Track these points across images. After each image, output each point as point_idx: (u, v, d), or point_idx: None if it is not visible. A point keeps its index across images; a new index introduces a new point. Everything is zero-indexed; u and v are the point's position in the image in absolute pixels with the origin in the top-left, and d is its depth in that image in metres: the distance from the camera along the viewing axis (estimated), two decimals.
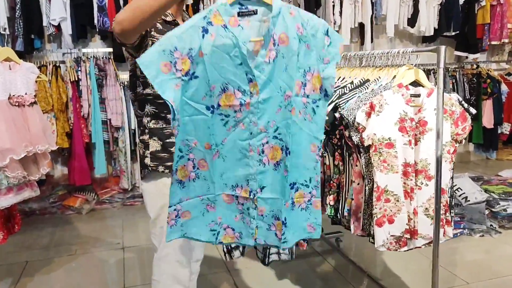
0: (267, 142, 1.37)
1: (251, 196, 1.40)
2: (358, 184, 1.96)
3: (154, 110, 1.58)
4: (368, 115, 1.83)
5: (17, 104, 1.98)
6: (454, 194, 2.04)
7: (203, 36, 1.27)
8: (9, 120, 1.91)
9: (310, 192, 1.46)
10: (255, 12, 1.32)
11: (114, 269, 2.83)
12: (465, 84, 4.60)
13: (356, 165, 1.96)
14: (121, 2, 3.73)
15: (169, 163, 1.57)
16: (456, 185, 3.31)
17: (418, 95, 1.89)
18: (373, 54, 2.15)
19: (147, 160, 1.60)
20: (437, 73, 1.74)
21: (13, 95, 1.98)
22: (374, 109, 1.82)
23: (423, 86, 1.92)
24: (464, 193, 3.24)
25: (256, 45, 1.31)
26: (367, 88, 2.01)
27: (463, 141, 1.96)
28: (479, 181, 3.58)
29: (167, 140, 1.58)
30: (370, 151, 1.83)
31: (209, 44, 1.27)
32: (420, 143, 1.89)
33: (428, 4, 4.41)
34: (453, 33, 4.61)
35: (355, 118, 1.83)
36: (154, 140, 1.59)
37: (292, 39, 1.33)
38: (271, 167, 1.40)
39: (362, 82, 2.09)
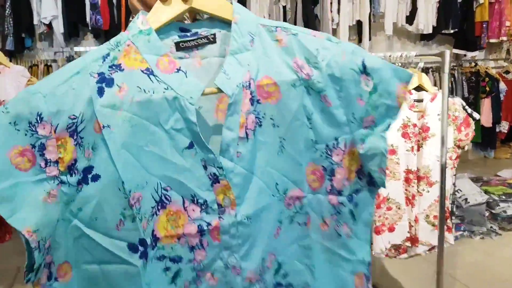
0: None
1: None
2: None
3: None
4: None
5: None
6: (455, 200, 2.02)
7: (100, 91, 0.65)
8: None
9: None
10: (210, 40, 0.73)
11: None
12: (464, 82, 4.56)
13: None
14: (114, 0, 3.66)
15: None
16: (456, 186, 3.29)
17: (421, 100, 1.84)
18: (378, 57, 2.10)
19: None
20: (441, 78, 1.70)
21: (3, 100, 1.92)
22: None
23: (426, 91, 1.87)
24: (464, 194, 3.21)
25: (220, 104, 0.74)
26: None
27: (466, 147, 1.93)
28: (478, 181, 3.56)
29: None
30: None
31: (117, 106, 0.65)
32: (422, 149, 1.85)
33: (426, 1, 4.37)
34: (452, 31, 4.57)
35: None
36: None
37: (286, 88, 0.71)
38: None
39: None
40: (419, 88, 1.87)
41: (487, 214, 3.19)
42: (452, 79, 4.52)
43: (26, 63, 3.62)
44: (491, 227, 3.14)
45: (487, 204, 3.21)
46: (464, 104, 1.93)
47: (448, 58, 1.67)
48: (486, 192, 3.30)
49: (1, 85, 1.92)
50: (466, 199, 3.17)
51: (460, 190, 3.25)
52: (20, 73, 2.06)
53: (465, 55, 4.82)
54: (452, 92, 4.55)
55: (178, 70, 0.67)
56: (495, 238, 3.08)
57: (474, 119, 1.92)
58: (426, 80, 1.87)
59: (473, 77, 4.57)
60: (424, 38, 4.73)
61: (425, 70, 4.41)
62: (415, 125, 1.82)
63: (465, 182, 3.33)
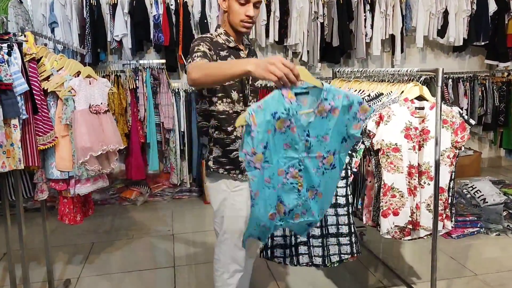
0: None
1: None
2: (370, 182, 2.31)
3: (217, 123, 1.82)
4: (378, 124, 2.18)
5: (95, 112, 2.48)
6: (455, 194, 2.34)
7: None
8: (89, 125, 2.41)
9: None
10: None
11: (165, 251, 3.31)
12: (495, 91, 4.77)
13: (369, 166, 2.32)
14: (173, 20, 4.25)
15: (227, 167, 1.83)
16: (475, 187, 3.57)
17: (422, 108, 2.22)
18: (387, 71, 2.49)
19: (210, 163, 1.87)
20: (435, 91, 2.07)
21: (92, 105, 2.47)
22: (383, 119, 2.17)
23: (427, 100, 2.25)
24: (483, 195, 3.48)
25: None
26: (380, 101, 2.36)
27: (463, 147, 2.28)
28: (499, 184, 3.79)
29: (227, 148, 1.83)
30: (379, 154, 2.19)
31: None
32: (423, 148, 2.22)
33: (457, 16, 4.64)
34: (483, 43, 4.80)
35: (366, 126, 2.19)
36: (217, 147, 1.85)
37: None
38: None
39: (377, 95, 2.45)
40: (420, 98, 2.25)
41: (504, 213, 3.43)
42: (483, 88, 4.76)
43: (100, 73, 4.27)
44: (507, 225, 3.39)
45: (505, 204, 3.44)
46: (461, 112, 2.29)
47: (440, 74, 2.05)
48: (505, 193, 3.55)
49: (92, 93, 2.48)
50: (484, 199, 3.44)
51: (479, 191, 3.52)
52: (104, 84, 2.62)
53: (497, 65, 5.02)
54: (483, 100, 4.79)
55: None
56: (510, 235, 3.33)
57: (470, 124, 2.27)
58: (426, 91, 2.24)
59: (504, 86, 4.77)
60: (457, 49, 4.98)
61: (457, 80, 4.69)
62: (416, 128, 2.20)
63: (485, 184, 3.59)
